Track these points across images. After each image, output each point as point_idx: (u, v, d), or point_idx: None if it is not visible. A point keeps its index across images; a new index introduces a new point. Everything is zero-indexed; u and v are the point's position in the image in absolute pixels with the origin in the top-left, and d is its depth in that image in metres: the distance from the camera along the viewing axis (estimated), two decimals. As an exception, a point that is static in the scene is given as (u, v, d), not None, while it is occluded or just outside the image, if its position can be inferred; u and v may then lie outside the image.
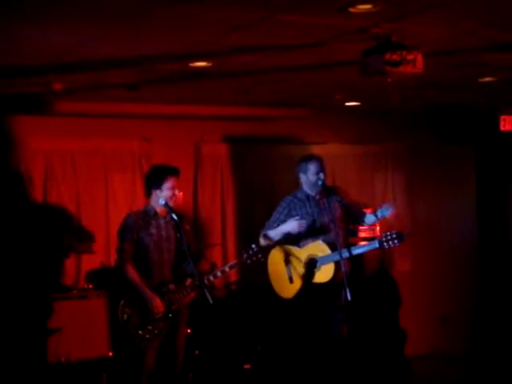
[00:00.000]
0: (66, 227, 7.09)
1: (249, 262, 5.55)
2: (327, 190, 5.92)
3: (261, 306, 6.99)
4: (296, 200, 6.00)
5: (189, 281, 5.51)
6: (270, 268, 6.01)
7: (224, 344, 7.03)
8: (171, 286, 5.48)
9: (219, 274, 5.59)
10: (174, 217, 5.37)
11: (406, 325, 7.77)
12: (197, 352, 6.65)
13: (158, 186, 5.51)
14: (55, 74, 5.65)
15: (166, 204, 5.45)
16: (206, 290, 5.09)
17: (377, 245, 5.64)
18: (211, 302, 5.06)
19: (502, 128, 8.57)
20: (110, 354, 6.44)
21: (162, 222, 5.57)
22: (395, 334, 7.59)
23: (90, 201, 7.24)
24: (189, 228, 5.73)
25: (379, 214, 5.81)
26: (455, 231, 8.94)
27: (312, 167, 5.93)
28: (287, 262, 5.88)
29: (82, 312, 6.42)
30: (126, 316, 5.41)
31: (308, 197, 5.99)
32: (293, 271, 5.86)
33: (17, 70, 5.43)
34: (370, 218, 5.97)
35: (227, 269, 5.64)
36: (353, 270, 5.88)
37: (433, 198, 8.84)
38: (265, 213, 7.90)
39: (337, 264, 5.68)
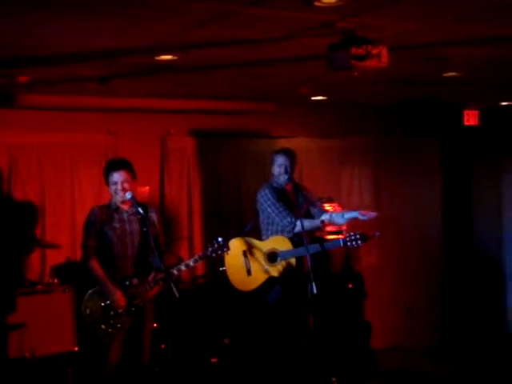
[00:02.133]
0: (30, 221, 7.03)
1: (214, 255, 5.53)
2: (295, 186, 5.93)
3: (228, 300, 6.99)
4: (275, 189, 5.99)
5: (152, 275, 5.48)
6: (228, 260, 5.96)
7: (191, 338, 7.03)
8: (134, 281, 5.45)
9: (183, 267, 5.53)
10: (140, 211, 5.35)
11: (371, 318, 7.83)
12: (163, 346, 6.65)
13: (107, 182, 5.53)
14: (20, 66, 5.60)
15: (132, 197, 5.42)
16: (172, 284, 5.08)
17: (341, 244, 5.71)
18: (177, 295, 5.06)
19: (465, 122, 8.68)
20: (76, 348, 6.41)
21: (125, 215, 5.54)
22: (361, 326, 7.65)
23: (56, 195, 7.19)
24: (156, 217, 5.65)
25: (347, 216, 5.83)
26: (421, 224, 9.04)
27: (278, 159, 5.95)
28: (246, 254, 5.88)
29: (47, 307, 6.37)
30: (88, 310, 5.41)
31: (279, 188, 6.00)
32: (252, 264, 5.87)
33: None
34: (338, 217, 5.94)
35: (191, 263, 5.56)
36: (319, 264, 5.91)
37: (399, 191, 8.92)
38: (231, 206, 7.98)
39: (299, 259, 5.73)
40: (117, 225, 5.50)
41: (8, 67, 5.59)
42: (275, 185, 6.01)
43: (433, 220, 9.18)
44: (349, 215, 5.83)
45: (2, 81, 6.04)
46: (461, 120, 8.68)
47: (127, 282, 5.45)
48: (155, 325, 5.92)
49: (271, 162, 6.03)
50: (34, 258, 6.99)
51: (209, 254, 5.52)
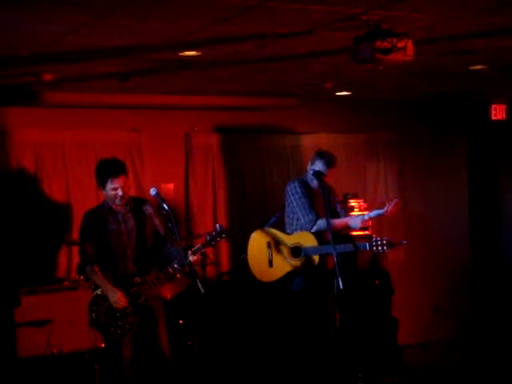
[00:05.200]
0: (57, 219, 7.06)
1: (213, 243, 5.44)
2: (324, 187, 5.87)
3: (253, 295, 6.98)
4: (305, 184, 5.99)
5: (154, 273, 5.42)
6: (251, 251, 5.99)
7: (217, 334, 7.02)
8: (136, 279, 5.39)
9: (177, 265, 5.38)
10: (166, 207, 5.26)
11: (398, 314, 7.77)
12: (189, 343, 6.64)
13: (103, 187, 5.42)
14: (45, 64, 5.62)
15: (157, 194, 5.38)
16: (197, 280, 5.06)
17: (367, 248, 5.73)
18: (202, 291, 5.03)
19: (493, 117, 8.59)
20: (103, 345, 6.41)
21: (119, 216, 5.46)
22: (387, 322, 7.60)
23: (81, 192, 7.20)
24: (152, 210, 5.53)
25: (367, 216, 5.83)
26: (448, 220, 8.96)
27: (317, 163, 5.93)
28: (270, 245, 5.88)
29: (73, 303, 6.39)
30: (94, 315, 5.39)
31: (309, 185, 5.99)
32: (274, 255, 5.86)
33: (5, 60, 5.39)
34: (358, 219, 5.92)
35: (190, 258, 5.32)
36: (345, 261, 5.88)
37: (425, 187, 8.85)
38: (256, 202, 7.96)
39: (322, 256, 5.72)
40: (113, 227, 5.42)
41: (32, 65, 5.62)
42: (306, 180, 6.01)
43: (460, 216, 9.10)
44: (374, 214, 5.83)
45: (27, 79, 6.07)
46: (488, 114, 8.60)
47: (130, 282, 5.38)
48: (181, 321, 5.89)
49: (311, 160, 6.00)
50: (61, 255, 7.02)
51: (207, 242, 5.40)
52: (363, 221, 5.84)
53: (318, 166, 5.92)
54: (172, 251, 5.41)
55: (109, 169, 5.40)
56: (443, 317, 8.60)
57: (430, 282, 8.74)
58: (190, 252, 5.34)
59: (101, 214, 5.46)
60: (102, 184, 5.42)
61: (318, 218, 5.83)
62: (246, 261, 6.00)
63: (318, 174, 5.86)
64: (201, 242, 5.46)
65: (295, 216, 5.95)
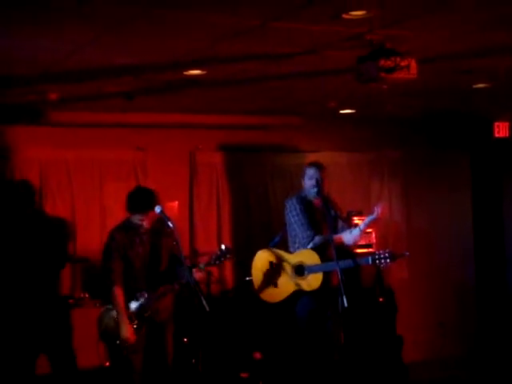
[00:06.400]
0: (62, 237, 7.07)
1: (217, 262, 5.48)
2: (325, 200, 5.88)
3: (257, 313, 6.97)
4: (304, 200, 5.97)
5: (161, 289, 5.48)
6: (255, 271, 5.95)
7: (221, 352, 7.01)
8: (143, 294, 5.45)
9: (183, 282, 5.43)
10: (170, 225, 5.33)
11: (403, 332, 7.76)
12: (193, 361, 6.64)
13: (134, 211, 5.44)
14: (50, 83, 5.66)
15: (162, 211, 5.41)
16: (202, 298, 5.07)
17: (369, 262, 5.69)
18: (207, 309, 5.04)
19: (496, 135, 8.61)
20: (107, 363, 6.40)
21: (144, 237, 5.51)
22: (392, 340, 7.59)
23: (86, 210, 7.24)
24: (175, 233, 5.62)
25: (362, 226, 5.82)
26: (452, 238, 8.95)
27: (308, 172, 5.93)
28: (274, 265, 5.88)
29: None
30: (103, 326, 5.47)
31: (308, 200, 5.98)
32: (279, 276, 5.87)
33: (12, 79, 5.43)
34: (354, 231, 5.94)
35: (195, 275, 5.39)
36: (349, 278, 5.87)
37: (429, 204, 8.86)
38: (260, 221, 7.97)
39: (327, 273, 5.71)
40: (139, 249, 5.49)
41: (38, 84, 5.66)
42: (304, 196, 5.99)
43: (463, 233, 9.10)
44: (366, 221, 5.80)
45: (33, 98, 6.11)
46: (491, 132, 8.62)
47: (137, 295, 5.45)
48: (185, 339, 5.91)
49: (302, 175, 6.01)
50: (66, 272, 7.03)
51: (212, 261, 5.46)
52: (357, 235, 5.80)
53: (311, 173, 5.92)
54: (180, 269, 5.46)
55: (141, 203, 5.43)
56: (448, 333, 8.58)
57: (434, 298, 8.72)
58: (194, 270, 5.39)
59: (127, 234, 5.48)
60: (133, 209, 5.43)
61: (315, 234, 5.81)
62: (250, 282, 5.97)
63: (316, 181, 5.85)
64: (205, 261, 5.49)
65: (295, 233, 5.94)
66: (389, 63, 4.38)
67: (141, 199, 5.46)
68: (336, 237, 5.80)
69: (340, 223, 6.01)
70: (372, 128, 8.49)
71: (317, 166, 5.97)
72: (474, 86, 6.39)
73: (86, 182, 7.27)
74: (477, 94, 6.82)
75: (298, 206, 5.89)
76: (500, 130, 8.62)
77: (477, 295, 9.10)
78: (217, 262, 5.47)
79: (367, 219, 5.73)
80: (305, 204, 5.90)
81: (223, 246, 5.47)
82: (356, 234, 5.76)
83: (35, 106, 6.63)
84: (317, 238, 5.77)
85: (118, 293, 5.42)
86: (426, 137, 8.87)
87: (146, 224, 5.44)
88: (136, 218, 5.44)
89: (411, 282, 8.58)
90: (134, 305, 5.46)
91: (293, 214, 5.90)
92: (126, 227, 5.52)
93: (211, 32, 4.29)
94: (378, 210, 5.63)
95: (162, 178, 7.55)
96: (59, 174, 7.16)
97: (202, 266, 5.46)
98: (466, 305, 8.96)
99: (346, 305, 5.38)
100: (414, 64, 4.47)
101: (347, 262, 5.66)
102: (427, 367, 8.21)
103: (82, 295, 6.79)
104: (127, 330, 5.38)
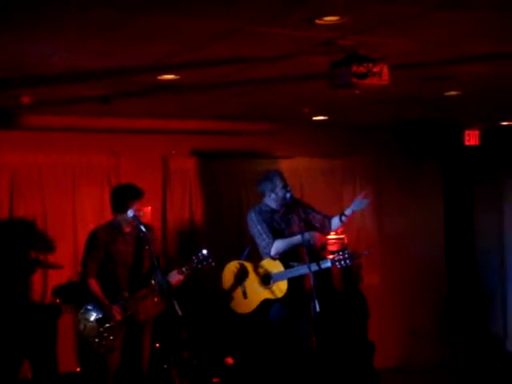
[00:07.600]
0: (32, 242, 7.02)
1: (199, 266, 5.54)
2: (289, 204, 5.96)
3: (230, 319, 6.96)
4: (263, 212, 6.02)
5: (143, 291, 5.53)
6: (225, 283, 6.04)
7: (193, 357, 6.99)
8: (124, 294, 5.54)
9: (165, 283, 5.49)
10: (143, 229, 5.37)
11: (374, 337, 7.80)
12: (165, 366, 6.61)
13: (123, 211, 5.55)
14: (23, 86, 5.63)
15: (135, 216, 5.44)
16: (175, 303, 5.08)
17: (329, 264, 5.72)
18: (180, 313, 5.05)
19: (466, 143, 8.70)
20: (78, 369, 6.37)
21: (127, 237, 5.60)
22: (364, 346, 7.62)
23: (58, 215, 7.19)
24: (156, 237, 5.77)
25: (343, 218, 5.89)
26: (423, 244, 9.01)
27: (279, 183, 5.97)
28: (242, 277, 5.91)
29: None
30: (82, 325, 5.51)
31: (273, 210, 6.02)
32: (247, 286, 5.89)
33: (-17, 82, 5.39)
34: (335, 221, 6.02)
35: (175, 277, 5.52)
36: (321, 283, 5.90)
37: (400, 211, 8.91)
38: (233, 226, 7.97)
39: (300, 278, 5.73)
40: (121, 247, 5.60)
41: (10, 88, 5.62)
42: (264, 208, 6.03)
43: (435, 240, 9.16)
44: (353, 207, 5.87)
45: (5, 102, 6.07)
46: (461, 140, 8.71)
47: (119, 296, 5.52)
48: (158, 344, 5.91)
49: (269, 189, 6.01)
50: (36, 278, 6.97)
51: (194, 265, 5.53)
52: (315, 235, 5.86)
53: (277, 181, 5.97)
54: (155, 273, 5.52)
55: (130, 194, 5.61)
56: (419, 340, 8.63)
57: (405, 305, 8.77)
58: (176, 271, 5.49)
59: (111, 232, 5.61)
60: (121, 210, 5.54)
61: (275, 239, 5.83)
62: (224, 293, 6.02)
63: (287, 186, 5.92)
64: (188, 265, 5.55)
65: (259, 243, 6.00)
66: (361, 69, 4.42)
67: (128, 189, 5.66)
68: (293, 238, 5.84)
69: (320, 221, 6.05)
70: (345, 134, 8.54)
71: (280, 174, 6.05)
72: (446, 94, 6.46)
73: (59, 187, 7.22)
74: (448, 102, 6.88)
75: (254, 218, 6.00)
76: (470, 139, 8.71)
77: (448, 301, 9.17)
78: (199, 266, 5.51)
79: (351, 207, 5.82)
80: (263, 214, 5.96)
81: (205, 251, 5.52)
82: (310, 234, 5.85)
83: (7, 110, 6.57)
84: (277, 243, 5.81)
85: (92, 283, 5.53)
86: (398, 144, 8.94)
87: (142, 214, 5.51)
88: (126, 216, 5.51)
89: (383, 288, 8.62)
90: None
91: (252, 227, 6.00)
92: (111, 226, 5.66)
93: (185, 37, 4.30)
94: (360, 197, 5.74)
95: (136, 183, 7.50)
96: (31, 178, 7.10)
97: (184, 269, 5.51)
98: (438, 311, 9.01)
99: (318, 309, 5.42)
100: (386, 70, 4.51)
101: (306, 268, 5.69)
102: (399, 373, 8.26)
103: (53, 301, 6.74)
104: (111, 309, 5.43)
